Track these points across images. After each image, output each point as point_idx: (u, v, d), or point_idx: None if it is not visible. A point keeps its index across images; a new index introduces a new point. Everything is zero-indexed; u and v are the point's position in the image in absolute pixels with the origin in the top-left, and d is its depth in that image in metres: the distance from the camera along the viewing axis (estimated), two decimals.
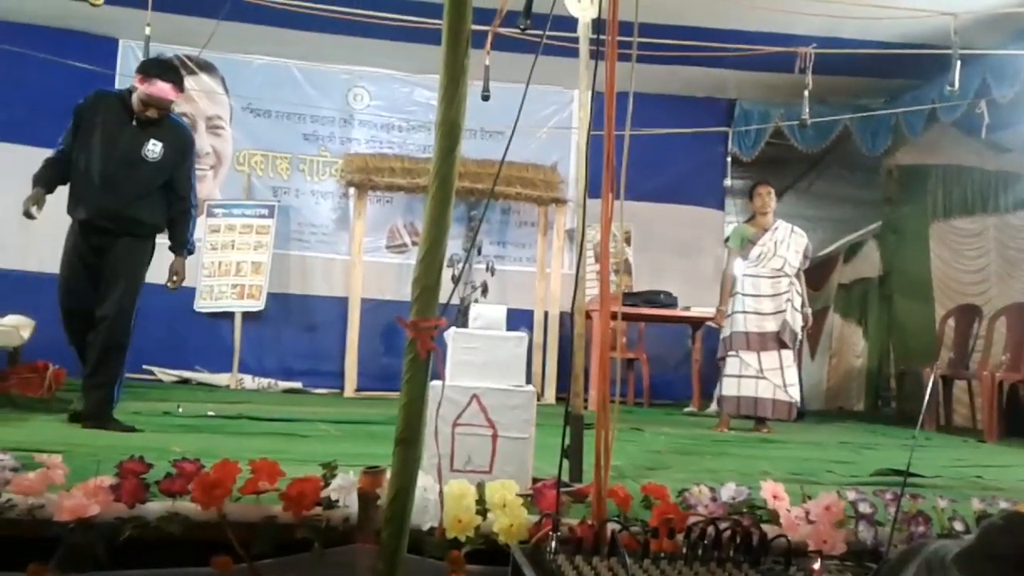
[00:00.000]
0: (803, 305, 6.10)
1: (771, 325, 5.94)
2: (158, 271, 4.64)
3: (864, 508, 2.62)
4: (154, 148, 4.39)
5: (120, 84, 8.00)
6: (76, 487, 2.30)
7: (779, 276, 6.01)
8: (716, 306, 6.36)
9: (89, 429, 4.21)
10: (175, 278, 4.60)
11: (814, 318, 10.68)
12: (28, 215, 4.34)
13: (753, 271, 6.06)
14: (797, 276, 6.09)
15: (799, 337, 6.06)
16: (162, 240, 4.66)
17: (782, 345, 5.92)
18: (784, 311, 5.95)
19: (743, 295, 6.04)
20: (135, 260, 4.44)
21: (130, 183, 4.38)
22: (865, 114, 8.23)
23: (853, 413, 9.32)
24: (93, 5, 5.40)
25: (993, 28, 6.48)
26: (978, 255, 8.53)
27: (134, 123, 4.40)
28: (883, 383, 9.27)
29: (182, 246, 4.59)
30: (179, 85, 4.44)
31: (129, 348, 4.45)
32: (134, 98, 4.39)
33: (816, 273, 10.65)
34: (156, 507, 2.33)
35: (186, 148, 4.57)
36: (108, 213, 4.39)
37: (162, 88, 4.32)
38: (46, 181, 4.47)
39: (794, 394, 5.93)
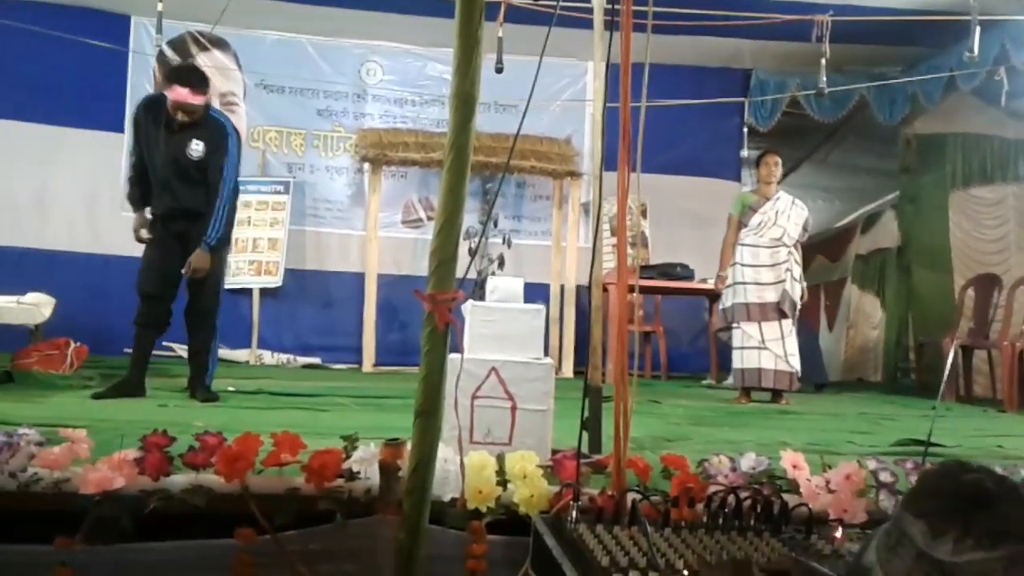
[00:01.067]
0: (800, 277, 6.09)
1: (771, 295, 5.93)
2: None
3: (885, 477, 2.62)
4: (196, 147, 4.54)
5: (133, 61, 8.04)
6: (101, 460, 2.33)
7: (778, 246, 5.99)
8: (716, 272, 6.32)
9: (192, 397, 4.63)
10: (187, 271, 4.57)
11: (832, 289, 10.69)
12: (140, 239, 4.68)
13: (752, 240, 6.04)
14: (795, 247, 6.07)
15: (798, 307, 6.05)
16: None
17: (782, 315, 5.92)
18: (783, 281, 5.94)
19: (742, 265, 6.03)
20: (217, 248, 4.65)
21: (186, 184, 4.56)
22: (882, 83, 8.15)
23: (872, 384, 9.29)
24: None
25: None
26: (997, 224, 8.45)
27: (176, 127, 4.53)
28: (901, 354, 9.22)
29: (202, 236, 4.56)
30: (197, 88, 4.48)
31: (218, 324, 4.78)
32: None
33: (834, 244, 10.60)
34: (180, 480, 2.36)
35: (220, 141, 4.60)
36: (178, 210, 4.62)
37: (179, 92, 4.43)
38: (136, 202, 4.75)
39: (795, 364, 5.93)
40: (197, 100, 4.46)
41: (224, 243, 4.76)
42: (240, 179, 7.99)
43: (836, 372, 9.82)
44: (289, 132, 8.44)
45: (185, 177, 4.57)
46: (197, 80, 4.51)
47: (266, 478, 2.39)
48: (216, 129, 4.61)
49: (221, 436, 2.43)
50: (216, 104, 8.19)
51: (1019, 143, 8.22)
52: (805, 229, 6.15)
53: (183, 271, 4.58)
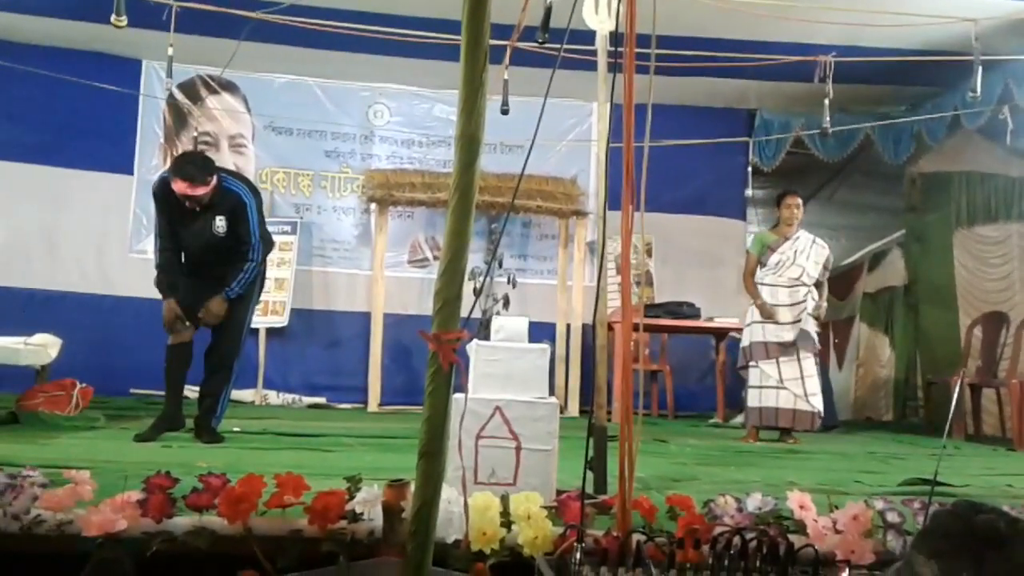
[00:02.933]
0: (816, 307, 6.04)
1: (789, 334, 5.90)
2: None
3: (892, 518, 2.60)
4: (220, 225, 4.56)
5: (143, 105, 8.13)
6: (104, 502, 2.33)
7: (797, 285, 5.98)
8: (753, 303, 6.07)
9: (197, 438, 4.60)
10: (202, 314, 4.61)
11: (841, 327, 10.65)
12: (171, 329, 4.62)
13: (772, 280, 6.03)
14: (817, 285, 6.06)
15: (817, 344, 6.00)
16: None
17: (802, 354, 5.89)
18: (801, 320, 5.92)
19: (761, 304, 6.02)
20: (244, 295, 4.71)
21: (218, 255, 4.59)
22: (887, 122, 8.18)
23: (881, 423, 9.23)
24: (116, 27, 5.47)
25: (1015, 33, 6.43)
26: (1002, 262, 8.44)
27: (197, 209, 4.53)
28: (910, 392, 9.18)
29: (225, 287, 4.60)
30: (196, 180, 4.40)
31: (235, 369, 4.79)
32: None
33: (841, 282, 10.57)
34: (183, 522, 2.35)
35: (239, 212, 4.59)
36: (211, 274, 4.66)
37: (180, 186, 4.40)
38: (165, 289, 4.66)
39: (816, 404, 5.87)
40: (198, 192, 4.41)
41: (251, 293, 4.78)
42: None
43: (847, 411, 9.75)
44: (297, 173, 8.50)
45: (216, 250, 4.59)
46: (195, 172, 4.42)
47: (269, 520, 2.38)
48: (234, 200, 4.58)
49: (224, 477, 2.42)
50: (225, 145, 8.32)
51: (1023, 181, 8.23)
52: (826, 268, 6.11)
53: (199, 314, 4.60)
